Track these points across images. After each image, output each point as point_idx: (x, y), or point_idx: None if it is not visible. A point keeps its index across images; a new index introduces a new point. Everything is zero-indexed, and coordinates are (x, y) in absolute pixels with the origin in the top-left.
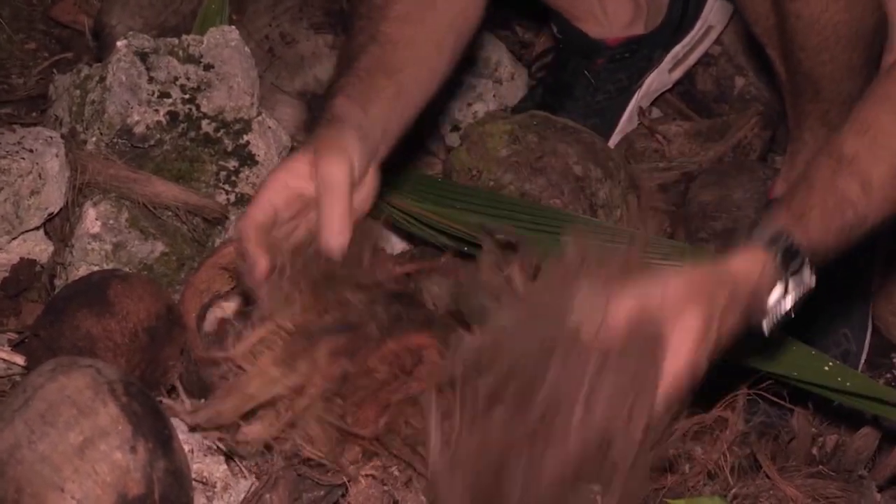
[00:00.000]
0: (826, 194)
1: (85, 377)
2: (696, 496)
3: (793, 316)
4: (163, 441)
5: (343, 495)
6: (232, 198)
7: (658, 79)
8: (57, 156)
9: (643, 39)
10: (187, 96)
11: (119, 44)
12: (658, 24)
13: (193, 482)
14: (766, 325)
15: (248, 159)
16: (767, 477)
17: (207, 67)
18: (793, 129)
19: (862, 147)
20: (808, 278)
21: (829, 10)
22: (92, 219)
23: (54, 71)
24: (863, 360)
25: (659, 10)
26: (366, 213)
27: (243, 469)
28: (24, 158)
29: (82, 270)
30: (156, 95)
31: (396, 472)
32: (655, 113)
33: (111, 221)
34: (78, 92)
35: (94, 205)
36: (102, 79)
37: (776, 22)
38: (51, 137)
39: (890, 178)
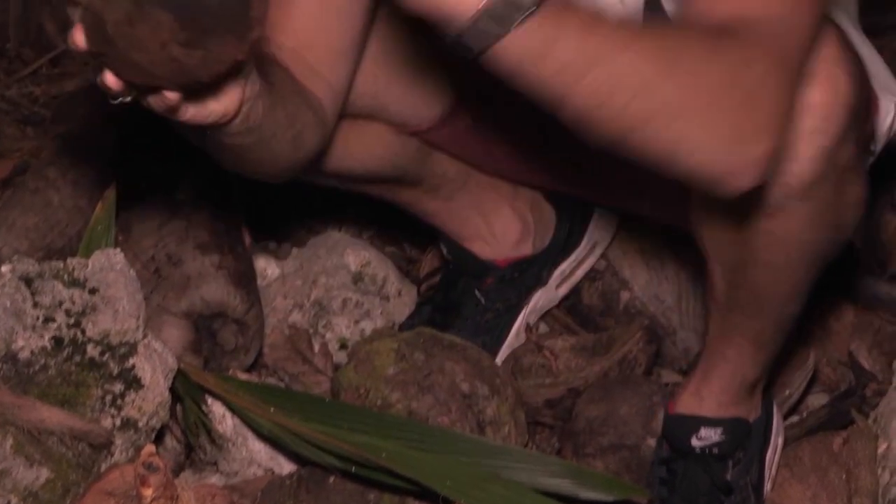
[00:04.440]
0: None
1: None
2: None
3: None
4: None
5: None
6: (118, 422)
7: (545, 295)
8: None
9: (532, 259)
10: (72, 320)
11: (3, 269)
12: (546, 244)
13: None
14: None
15: (133, 383)
16: None
17: (93, 291)
18: (714, 344)
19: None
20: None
21: (804, 231)
22: None
23: None
24: None
25: (546, 229)
26: None
27: None
28: None
29: None
30: (41, 320)
31: None
32: (542, 328)
33: None
34: None
35: None
36: None
37: (735, 237)
38: None
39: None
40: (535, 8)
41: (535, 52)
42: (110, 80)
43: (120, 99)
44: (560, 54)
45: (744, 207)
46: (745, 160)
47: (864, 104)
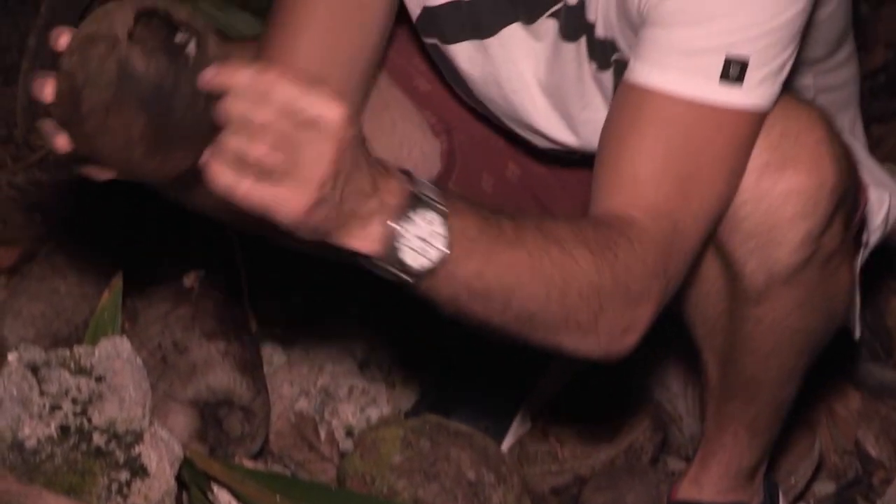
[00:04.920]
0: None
1: None
2: None
3: (409, 271)
4: None
5: None
6: None
7: (551, 380)
8: None
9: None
10: (78, 409)
11: (10, 357)
12: None
13: None
14: (381, 245)
15: (139, 471)
16: None
17: (99, 379)
18: (711, 432)
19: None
20: (438, 238)
21: (790, 316)
22: None
23: None
24: None
25: None
26: None
27: None
28: None
29: None
30: (47, 409)
31: None
32: (548, 415)
33: None
34: None
35: None
36: None
37: (725, 324)
38: None
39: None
40: (433, 261)
41: (434, 283)
42: (61, 144)
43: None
44: (458, 285)
45: (732, 295)
46: (620, 349)
47: (851, 188)
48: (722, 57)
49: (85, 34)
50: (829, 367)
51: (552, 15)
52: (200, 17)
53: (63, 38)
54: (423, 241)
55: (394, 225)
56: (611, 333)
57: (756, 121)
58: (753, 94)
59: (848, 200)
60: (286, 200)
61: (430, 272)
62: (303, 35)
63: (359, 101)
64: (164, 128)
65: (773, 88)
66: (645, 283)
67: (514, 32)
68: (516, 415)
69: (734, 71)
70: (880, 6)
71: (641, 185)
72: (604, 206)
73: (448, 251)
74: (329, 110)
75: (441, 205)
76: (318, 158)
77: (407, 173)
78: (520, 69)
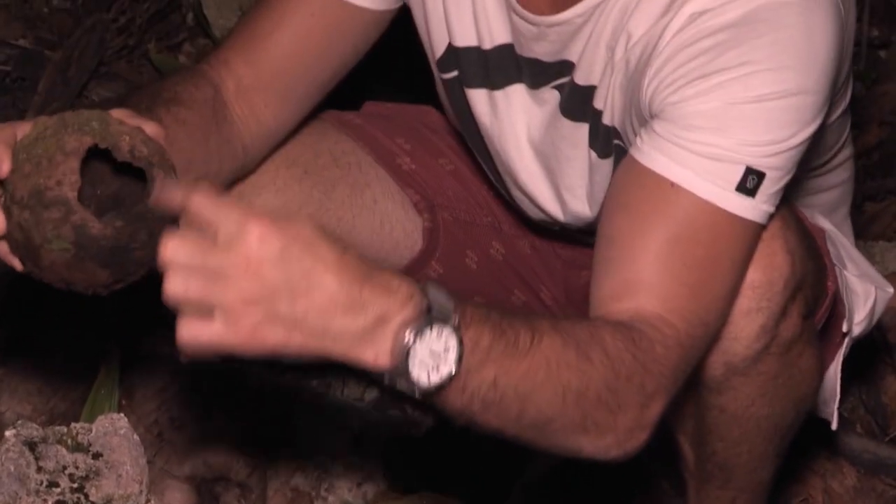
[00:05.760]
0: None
1: None
2: None
3: (419, 387)
4: None
5: None
6: None
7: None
8: None
9: None
10: (76, 485)
11: (8, 434)
12: None
13: None
14: (390, 362)
15: None
16: None
17: (96, 456)
18: None
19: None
20: (451, 353)
21: (754, 405)
22: None
23: None
24: None
25: None
26: None
27: None
28: None
29: None
30: (44, 485)
31: None
32: (546, 491)
33: None
34: None
35: None
36: None
37: (693, 411)
38: None
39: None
40: (444, 377)
41: (446, 395)
42: (16, 266)
43: None
44: (470, 395)
45: (695, 384)
46: (636, 444)
47: (809, 276)
48: (742, 168)
49: (34, 185)
50: (825, 443)
51: (556, 87)
52: (139, 138)
53: (4, 166)
54: (435, 356)
55: (405, 340)
56: (628, 430)
57: (757, 234)
58: (761, 208)
59: (805, 288)
60: (220, 332)
61: (441, 387)
62: (285, 28)
63: (307, 110)
64: (127, 270)
65: (774, 206)
66: (659, 382)
67: (519, 91)
68: (512, 490)
69: (751, 183)
70: (874, 85)
71: (657, 284)
72: (612, 294)
73: (458, 367)
74: (239, 228)
75: (454, 317)
76: (233, 281)
77: (420, 282)
78: (516, 127)
